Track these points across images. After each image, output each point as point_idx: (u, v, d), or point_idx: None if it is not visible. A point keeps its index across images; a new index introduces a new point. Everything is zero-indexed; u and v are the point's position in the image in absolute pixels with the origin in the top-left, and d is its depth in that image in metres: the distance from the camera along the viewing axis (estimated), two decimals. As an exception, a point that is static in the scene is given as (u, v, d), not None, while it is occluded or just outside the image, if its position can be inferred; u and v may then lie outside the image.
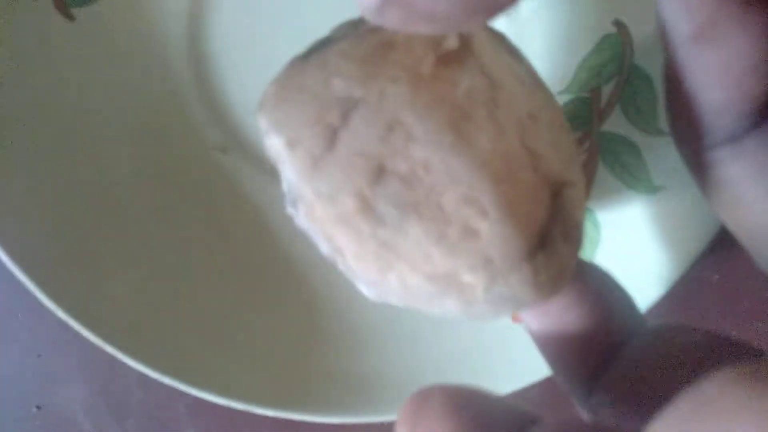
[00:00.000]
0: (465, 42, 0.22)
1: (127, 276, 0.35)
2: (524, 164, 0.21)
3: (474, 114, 0.21)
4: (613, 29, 0.34)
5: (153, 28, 0.35)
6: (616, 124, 0.34)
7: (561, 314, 0.23)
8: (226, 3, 0.35)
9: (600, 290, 0.24)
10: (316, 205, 0.22)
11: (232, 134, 0.36)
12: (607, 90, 0.34)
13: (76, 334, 0.34)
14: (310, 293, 0.37)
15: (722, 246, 0.32)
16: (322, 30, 0.24)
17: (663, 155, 0.34)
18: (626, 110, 0.34)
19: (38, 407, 0.42)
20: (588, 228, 0.35)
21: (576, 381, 0.23)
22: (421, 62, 0.21)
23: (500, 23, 0.31)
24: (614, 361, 0.22)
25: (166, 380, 0.35)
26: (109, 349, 0.34)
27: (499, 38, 0.24)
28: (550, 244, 0.22)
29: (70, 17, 0.34)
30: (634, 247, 0.34)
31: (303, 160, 0.21)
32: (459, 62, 0.22)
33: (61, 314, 0.34)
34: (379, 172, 0.21)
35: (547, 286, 0.22)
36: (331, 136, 0.21)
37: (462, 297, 0.21)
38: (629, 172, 0.34)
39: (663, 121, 0.33)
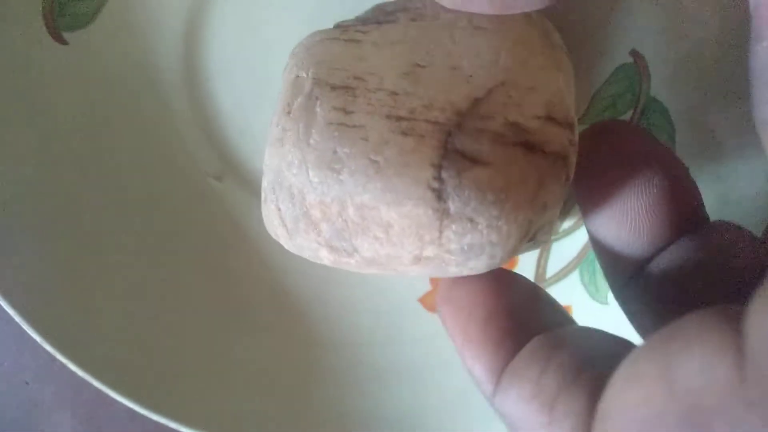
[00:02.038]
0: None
1: (116, 309, 0.33)
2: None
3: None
4: (629, 59, 0.32)
5: (147, 52, 0.33)
6: (632, 161, 0.33)
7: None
8: (222, 28, 0.33)
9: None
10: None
11: (228, 161, 0.35)
12: (623, 123, 0.33)
13: (64, 364, 0.33)
14: (306, 329, 0.36)
15: None
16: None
17: (680, 196, 0.32)
18: (644, 145, 0.32)
19: (25, 436, 0.41)
20: (599, 266, 0.33)
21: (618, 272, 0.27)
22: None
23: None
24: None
25: (155, 417, 0.33)
26: (97, 384, 0.33)
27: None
28: None
29: (62, 41, 0.32)
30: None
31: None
32: None
33: (48, 347, 0.32)
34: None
35: None
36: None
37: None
38: (644, 213, 0.32)
39: (680, 155, 0.32)
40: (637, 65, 0.33)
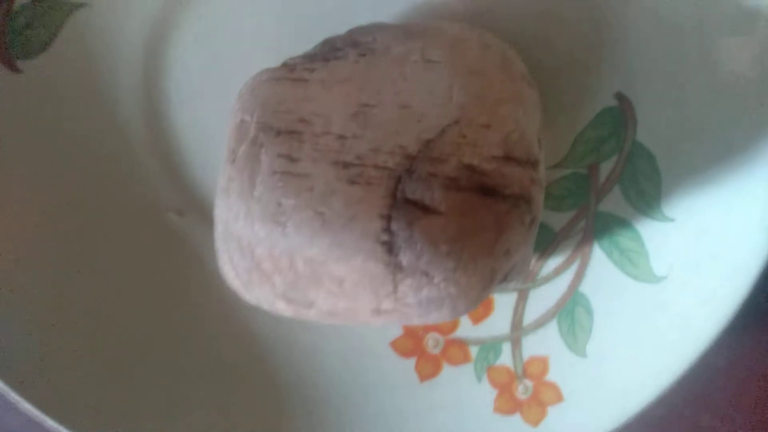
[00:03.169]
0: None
1: (72, 346, 0.32)
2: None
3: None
4: (614, 102, 0.30)
5: (105, 82, 0.32)
6: (615, 204, 0.31)
7: None
8: (183, 58, 0.32)
9: None
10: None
11: (190, 195, 0.33)
12: (606, 167, 0.31)
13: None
14: (271, 371, 0.34)
15: (728, 330, 0.29)
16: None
17: (666, 242, 0.30)
18: (626, 191, 0.30)
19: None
20: (579, 315, 0.32)
21: None
22: None
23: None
24: None
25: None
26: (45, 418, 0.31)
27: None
28: None
29: (15, 69, 0.30)
30: (631, 338, 0.31)
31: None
32: None
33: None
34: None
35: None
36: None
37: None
38: (628, 259, 0.31)
39: (667, 205, 0.30)
40: (623, 109, 0.31)
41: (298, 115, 0.25)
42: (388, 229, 0.23)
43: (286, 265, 0.25)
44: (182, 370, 0.34)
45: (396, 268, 0.23)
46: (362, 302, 0.25)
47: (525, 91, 0.26)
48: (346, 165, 0.24)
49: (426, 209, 0.23)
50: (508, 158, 0.23)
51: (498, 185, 0.23)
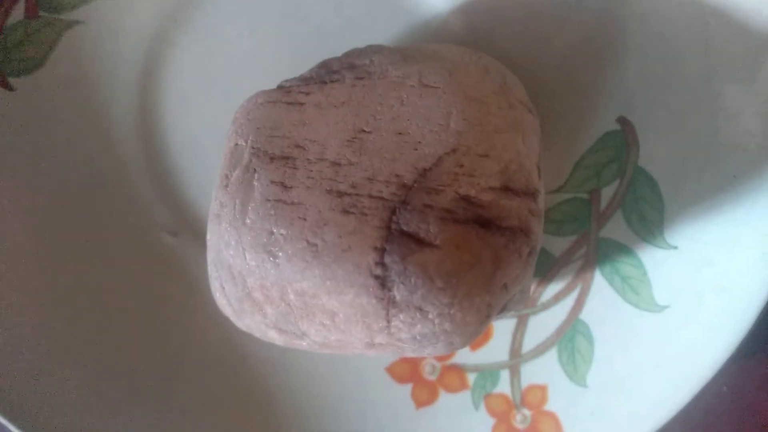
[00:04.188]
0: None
1: (60, 367, 0.31)
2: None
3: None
4: (616, 126, 0.29)
5: (100, 100, 0.31)
6: (616, 231, 0.30)
7: None
8: (180, 77, 0.31)
9: None
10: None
11: (184, 216, 0.33)
12: (607, 192, 0.30)
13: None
14: (265, 396, 0.33)
15: (732, 357, 0.29)
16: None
17: (669, 270, 0.30)
18: (628, 217, 0.30)
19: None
20: (580, 343, 0.31)
21: None
22: None
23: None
24: None
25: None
26: None
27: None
28: None
29: (8, 87, 0.30)
30: (632, 368, 0.30)
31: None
32: None
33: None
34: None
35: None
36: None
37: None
38: (630, 287, 0.30)
39: (670, 232, 0.29)
40: (625, 133, 0.30)
41: (292, 141, 0.24)
42: (381, 263, 0.22)
43: (277, 296, 0.24)
44: (173, 393, 0.33)
45: (389, 303, 0.22)
46: (355, 336, 0.24)
47: (524, 118, 0.25)
48: (340, 194, 0.23)
49: (421, 242, 0.22)
50: (506, 189, 0.23)
51: (495, 217, 0.23)
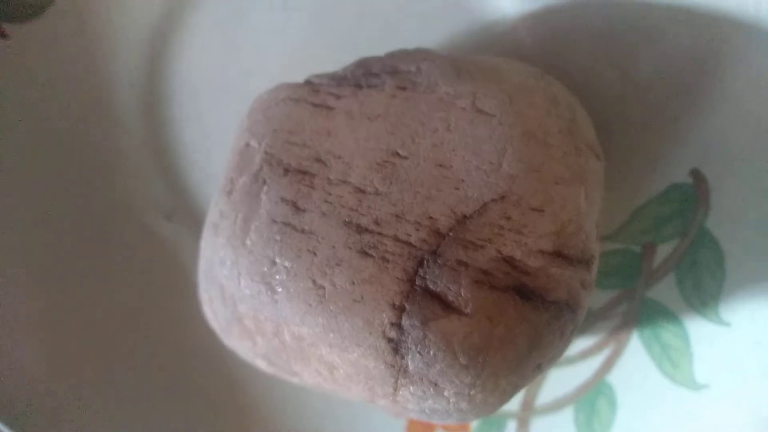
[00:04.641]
0: None
1: (46, 350, 0.28)
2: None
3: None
4: (688, 179, 0.25)
5: (102, 60, 0.28)
6: (665, 294, 0.27)
7: None
8: (195, 46, 0.27)
9: None
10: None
11: (182, 198, 0.29)
12: (663, 250, 0.26)
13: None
14: (255, 395, 0.30)
15: None
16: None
17: (715, 348, 0.26)
18: (682, 281, 0.26)
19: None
20: (601, 406, 0.28)
21: None
22: None
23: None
24: None
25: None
26: None
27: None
28: None
29: (2, 35, 0.26)
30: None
31: None
32: None
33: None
34: None
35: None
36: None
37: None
38: (668, 357, 0.27)
39: (725, 307, 0.25)
40: (697, 188, 0.26)
41: (314, 152, 0.21)
42: (398, 324, 0.18)
43: (270, 331, 0.21)
44: (153, 386, 0.30)
45: (400, 371, 0.19)
46: (354, 392, 0.21)
47: (591, 165, 0.21)
48: (360, 229, 0.19)
49: (448, 306, 0.18)
50: (558, 255, 0.19)
51: (541, 288, 0.19)
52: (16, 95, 0.27)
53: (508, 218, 0.19)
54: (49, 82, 0.27)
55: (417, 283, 0.19)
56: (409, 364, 0.19)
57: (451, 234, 0.19)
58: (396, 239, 0.19)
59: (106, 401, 0.30)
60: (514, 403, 0.30)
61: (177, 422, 0.30)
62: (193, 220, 0.30)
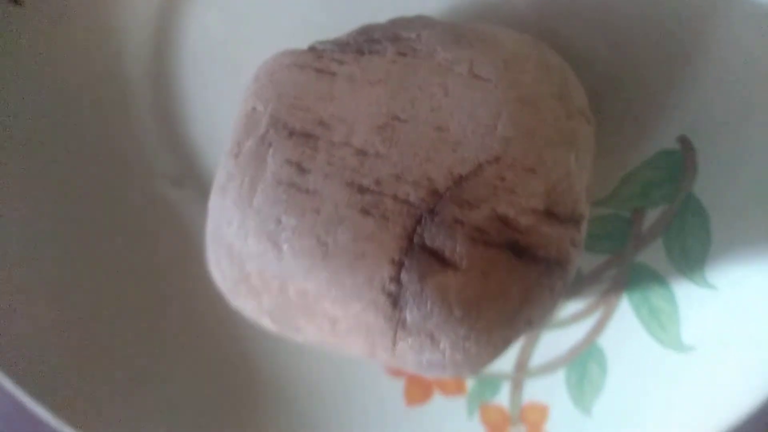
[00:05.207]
0: None
1: (52, 317, 0.29)
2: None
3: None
4: (675, 146, 0.26)
5: (114, 27, 0.28)
6: (654, 258, 0.28)
7: None
8: (204, 13, 0.28)
9: None
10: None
11: (190, 165, 0.30)
12: (652, 215, 0.27)
13: None
14: (256, 362, 0.31)
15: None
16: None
17: (702, 310, 0.27)
18: (670, 246, 0.27)
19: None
20: (592, 369, 0.29)
21: None
22: None
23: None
24: None
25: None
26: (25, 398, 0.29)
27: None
28: None
29: (17, 1, 0.27)
30: (642, 404, 0.28)
31: None
32: None
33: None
34: None
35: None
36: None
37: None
38: (656, 319, 0.28)
39: (711, 270, 0.26)
40: (684, 155, 0.27)
41: (317, 116, 0.22)
42: (397, 279, 0.19)
43: (276, 288, 0.22)
44: (161, 349, 0.31)
45: (398, 324, 0.20)
46: (356, 346, 0.22)
47: (581, 130, 0.22)
48: (362, 189, 0.20)
49: (444, 262, 0.19)
50: (549, 213, 0.20)
51: (532, 245, 0.20)
52: (29, 62, 0.28)
53: (502, 179, 0.20)
54: (60, 50, 0.28)
55: (415, 240, 0.20)
56: (407, 316, 0.20)
57: (447, 193, 0.20)
58: (395, 198, 0.20)
59: (113, 361, 0.30)
60: (508, 365, 0.31)
61: (183, 381, 0.31)
62: (200, 185, 0.30)
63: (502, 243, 0.20)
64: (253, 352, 0.32)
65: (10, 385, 0.29)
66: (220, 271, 0.24)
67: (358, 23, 0.24)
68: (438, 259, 0.19)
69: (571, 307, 0.30)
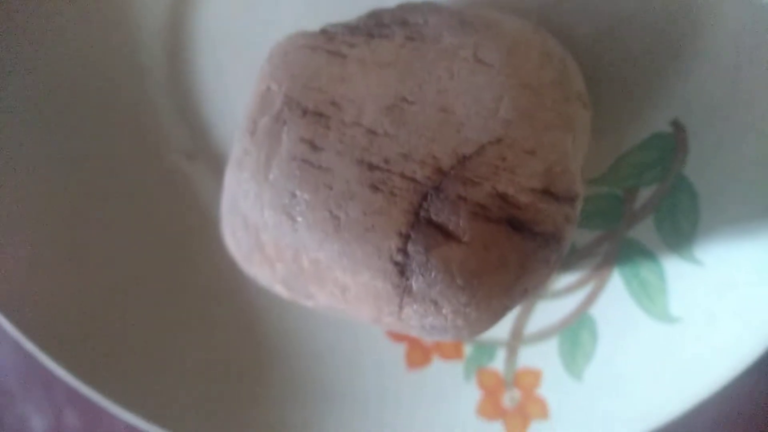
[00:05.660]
0: None
1: (69, 285, 0.31)
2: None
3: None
4: (668, 129, 0.28)
5: (130, 3, 0.29)
6: (645, 234, 0.29)
7: None
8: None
9: None
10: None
11: (202, 139, 0.31)
12: (644, 194, 0.29)
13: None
14: (262, 326, 0.33)
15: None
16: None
17: (689, 284, 0.29)
18: (660, 223, 0.29)
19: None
20: (583, 337, 0.30)
21: None
22: None
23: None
24: None
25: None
26: (45, 358, 0.31)
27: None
28: None
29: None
30: (631, 371, 0.30)
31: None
32: None
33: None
34: None
35: None
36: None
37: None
38: (645, 292, 0.29)
39: (699, 247, 0.28)
40: (676, 138, 0.29)
41: (329, 96, 0.23)
42: (404, 250, 0.21)
43: (290, 257, 0.23)
44: (169, 316, 0.33)
45: (405, 291, 0.21)
46: (363, 312, 0.23)
47: (578, 114, 0.23)
48: (372, 167, 0.22)
49: (448, 235, 0.21)
50: (546, 192, 0.22)
51: (530, 221, 0.21)
52: (44, 39, 0.29)
53: (504, 159, 0.22)
54: (76, 27, 0.29)
55: (421, 214, 0.21)
56: (413, 284, 0.21)
57: (452, 172, 0.21)
58: (403, 176, 0.22)
59: (127, 330, 0.32)
60: (504, 332, 0.32)
61: (195, 351, 0.33)
62: (213, 159, 0.32)
63: (502, 218, 0.21)
64: (261, 318, 0.33)
65: (30, 346, 0.30)
66: (236, 240, 0.25)
67: (368, 7, 0.26)
68: (442, 232, 0.21)
69: (565, 279, 0.31)
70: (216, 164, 0.32)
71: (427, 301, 0.21)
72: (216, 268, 0.33)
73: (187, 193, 0.32)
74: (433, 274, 0.21)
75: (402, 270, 0.21)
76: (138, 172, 0.32)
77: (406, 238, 0.21)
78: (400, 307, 0.22)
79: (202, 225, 0.32)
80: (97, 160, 0.31)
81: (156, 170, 0.32)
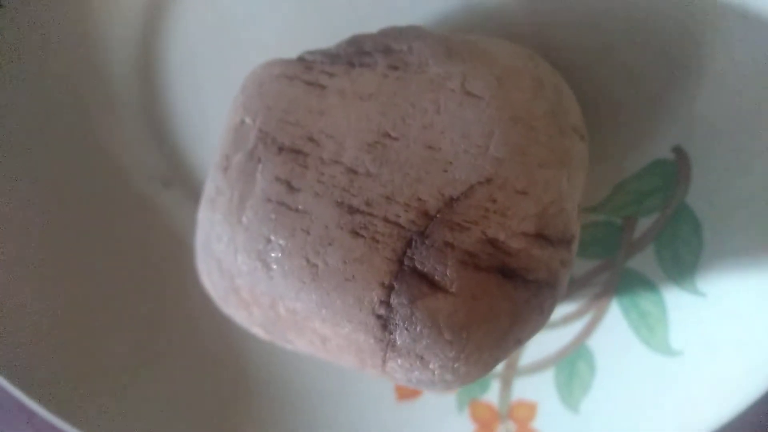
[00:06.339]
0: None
1: (39, 313, 0.29)
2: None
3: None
4: (670, 155, 0.26)
5: (97, 27, 0.28)
6: (645, 265, 0.28)
7: None
8: (190, 16, 0.27)
9: None
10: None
11: (178, 166, 0.30)
12: (644, 223, 0.27)
13: None
14: (248, 356, 0.31)
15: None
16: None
17: (690, 317, 0.27)
18: (661, 253, 0.27)
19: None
20: (581, 368, 0.29)
21: None
22: None
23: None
24: None
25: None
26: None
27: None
28: None
29: (-3, 3, 0.26)
30: (629, 404, 0.28)
31: None
32: None
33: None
34: None
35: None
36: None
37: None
38: (645, 323, 0.28)
39: (702, 278, 0.26)
40: (678, 165, 0.27)
41: (307, 131, 0.21)
42: (386, 302, 0.19)
43: (266, 304, 0.22)
44: (153, 346, 0.31)
45: (388, 345, 0.20)
46: (346, 361, 0.22)
47: (574, 148, 0.22)
48: (352, 210, 0.20)
49: (434, 285, 0.19)
50: (539, 236, 0.20)
51: (522, 268, 0.20)
52: (11, 63, 0.28)
53: (494, 201, 0.20)
54: (44, 52, 0.28)
55: (405, 263, 0.20)
56: (397, 339, 0.20)
57: (438, 216, 0.20)
58: (386, 220, 0.20)
59: (105, 360, 0.31)
60: (498, 364, 0.31)
61: (176, 379, 0.31)
62: (188, 186, 0.30)
63: (492, 267, 0.20)
64: (244, 347, 0.32)
65: (5, 383, 0.29)
66: (211, 281, 0.24)
67: (348, 29, 0.24)
68: (428, 282, 0.20)
69: (562, 310, 0.30)
70: (193, 191, 0.30)
71: (412, 356, 0.20)
72: (195, 296, 0.31)
73: (163, 222, 0.31)
74: (418, 328, 0.19)
75: (385, 324, 0.20)
76: (112, 200, 0.30)
77: (389, 289, 0.19)
78: (384, 361, 0.20)
79: (179, 252, 0.31)
80: (70, 188, 0.30)
81: (131, 198, 0.30)
